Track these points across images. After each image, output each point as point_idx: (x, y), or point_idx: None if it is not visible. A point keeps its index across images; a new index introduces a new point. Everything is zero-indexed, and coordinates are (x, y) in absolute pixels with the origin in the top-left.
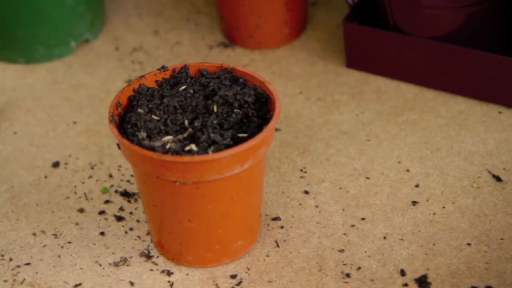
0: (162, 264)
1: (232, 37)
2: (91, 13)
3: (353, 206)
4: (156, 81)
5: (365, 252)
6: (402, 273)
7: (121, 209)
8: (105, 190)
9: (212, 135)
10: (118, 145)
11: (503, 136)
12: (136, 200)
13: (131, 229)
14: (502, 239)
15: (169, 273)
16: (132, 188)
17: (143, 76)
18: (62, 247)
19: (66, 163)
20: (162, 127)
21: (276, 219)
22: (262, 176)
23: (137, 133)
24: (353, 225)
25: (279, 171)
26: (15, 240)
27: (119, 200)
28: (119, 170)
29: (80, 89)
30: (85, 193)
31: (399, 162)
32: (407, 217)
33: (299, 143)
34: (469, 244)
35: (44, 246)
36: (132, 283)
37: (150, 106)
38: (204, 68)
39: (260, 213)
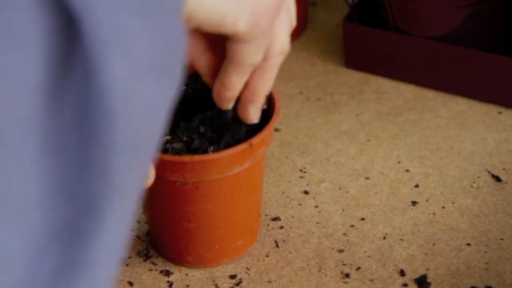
0: (162, 264)
1: None
2: None
3: (352, 206)
4: None
5: (365, 252)
6: (402, 273)
7: None
8: None
9: (211, 134)
10: None
11: (503, 136)
12: None
13: (130, 229)
14: (501, 239)
15: (168, 273)
16: None
17: None
18: None
19: None
20: None
21: (276, 219)
22: (262, 176)
23: None
24: (352, 225)
25: (279, 171)
26: None
27: None
28: None
29: None
30: None
31: (399, 162)
32: (407, 217)
33: (299, 143)
34: (468, 244)
35: None
36: (131, 283)
37: None
38: None
39: (259, 213)
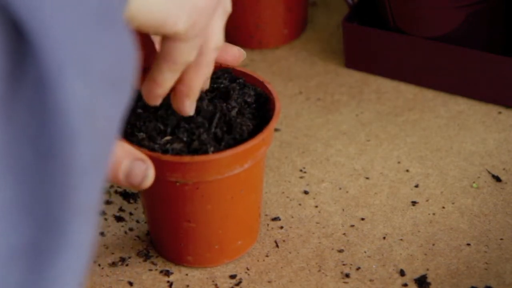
0: (161, 264)
1: (231, 37)
2: None
3: (352, 206)
4: None
5: (365, 252)
6: (402, 273)
7: (121, 209)
8: (105, 190)
9: (211, 135)
10: None
11: (503, 136)
12: (136, 201)
13: (130, 230)
14: (501, 239)
15: (168, 273)
16: None
17: None
18: None
19: None
20: (162, 127)
21: (275, 219)
22: (262, 176)
23: (136, 133)
24: (352, 225)
25: (278, 171)
26: None
27: (119, 201)
28: None
29: None
30: None
31: (398, 162)
32: (407, 217)
33: (299, 143)
34: (468, 244)
35: None
36: (131, 283)
37: (149, 106)
38: None
39: (259, 213)
